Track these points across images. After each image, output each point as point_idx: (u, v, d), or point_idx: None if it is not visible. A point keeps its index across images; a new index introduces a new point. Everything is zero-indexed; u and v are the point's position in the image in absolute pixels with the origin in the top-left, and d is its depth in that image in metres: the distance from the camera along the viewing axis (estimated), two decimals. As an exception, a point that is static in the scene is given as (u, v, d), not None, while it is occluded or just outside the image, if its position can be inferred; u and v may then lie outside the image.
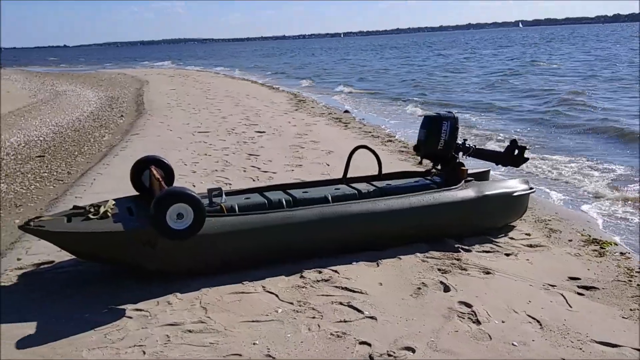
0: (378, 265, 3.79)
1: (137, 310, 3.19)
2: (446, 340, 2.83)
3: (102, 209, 3.68)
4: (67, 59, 71.33)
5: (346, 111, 13.05)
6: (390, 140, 8.81)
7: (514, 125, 11.04)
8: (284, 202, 4.06)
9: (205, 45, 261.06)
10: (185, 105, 14.08)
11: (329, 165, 6.91)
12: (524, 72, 23.37)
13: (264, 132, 9.56)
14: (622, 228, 4.89)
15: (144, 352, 2.75)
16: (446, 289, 3.43)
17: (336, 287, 3.47)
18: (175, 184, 4.26)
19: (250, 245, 3.69)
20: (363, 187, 4.40)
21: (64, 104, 15.24)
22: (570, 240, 4.33)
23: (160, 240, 3.41)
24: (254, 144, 8.43)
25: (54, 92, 19.32)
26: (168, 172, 4.24)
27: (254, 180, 6.19)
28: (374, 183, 4.53)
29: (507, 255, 3.98)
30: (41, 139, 9.66)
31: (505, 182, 4.70)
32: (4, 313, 3.17)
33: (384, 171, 4.79)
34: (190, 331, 2.96)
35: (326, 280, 3.56)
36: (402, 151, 7.80)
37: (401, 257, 3.91)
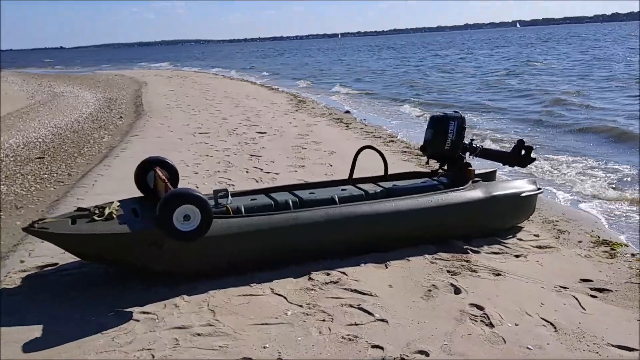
0: (387, 267, 3.75)
1: (144, 313, 3.13)
2: (460, 343, 2.79)
3: (106, 211, 3.63)
4: (63, 61, 71.07)
5: (347, 111, 13.01)
6: (392, 141, 8.77)
7: (509, 125, 11.05)
8: (291, 203, 4.01)
9: (202, 46, 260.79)
10: (185, 106, 14.01)
11: (331, 166, 6.86)
12: (520, 72, 23.42)
13: (265, 132, 9.51)
14: (630, 229, 4.85)
15: (153, 356, 2.70)
16: (457, 291, 3.38)
17: (345, 289, 3.43)
18: (179, 185, 4.22)
19: (257, 246, 3.64)
20: (370, 187, 4.36)
21: (62, 106, 15.17)
22: (580, 242, 4.29)
23: (167, 242, 3.36)
24: (256, 145, 8.38)
25: (51, 94, 19.23)
26: (173, 174, 4.19)
27: (257, 182, 6.14)
28: (381, 184, 4.49)
29: (517, 256, 3.94)
30: (40, 140, 9.59)
31: (513, 182, 4.66)
32: (10, 316, 3.12)
33: (388, 172, 4.74)
34: (199, 334, 2.91)
35: (335, 283, 3.51)
36: (405, 151, 7.77)
37: (409, 258, 3.87)
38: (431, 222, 4.08)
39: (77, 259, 3.76)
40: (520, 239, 4.28)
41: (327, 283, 3.51)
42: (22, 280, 3.61)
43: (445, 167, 4.70)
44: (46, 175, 6.98)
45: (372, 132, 9.59)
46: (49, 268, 3.81)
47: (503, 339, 2.82)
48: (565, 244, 4.24)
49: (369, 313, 3.11)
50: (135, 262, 3.48)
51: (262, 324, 3.01)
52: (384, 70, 29.80)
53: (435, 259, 3.87)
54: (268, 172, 6.58)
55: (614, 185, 6.30)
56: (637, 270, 3.69)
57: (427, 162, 4.89)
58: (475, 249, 4.03)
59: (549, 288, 3.41)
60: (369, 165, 5.22)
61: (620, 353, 2.69)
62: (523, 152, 4.64)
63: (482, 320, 3.01)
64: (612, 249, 4.07)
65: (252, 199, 4.08)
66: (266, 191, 4.36)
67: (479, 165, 4.87)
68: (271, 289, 3.44)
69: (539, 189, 4.58)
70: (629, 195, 5.84)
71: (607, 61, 27.37)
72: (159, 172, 3.98)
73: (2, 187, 6.35)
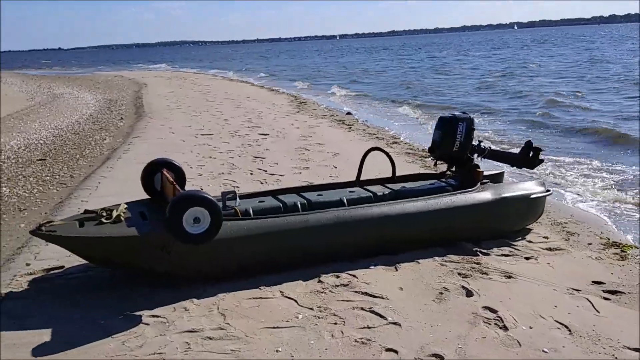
0: (397, 270, 3.72)
1: (153, 316, 3.10)
2: (474, 346, 2.76)
3: (114, 213, 3.60)
4: (60, 63, 70.89)
5: (348, 113, 12.99)
6: (396, 142, 8.75)
7: (507, 127, 11.07)
8: (299, 205, 3.98)
9: (200, 48, 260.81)
10: (185, 107, 13.98)
11: (336, 167, 6.84)
12: (515, 74, 23.49)
13: (267, 134, 9.47)
14: (638, 230, 4.83)
15: (165, 360, 2.67)
16: (468, 293, 3.35)
17: (356, 292, 3.39)
18: (186, 187, 4.18)
19: (265, 249, 3.61)
20: (378, 189, 4.33)
21: (62, 107, 15.12)
22: (590, 244, 4.27)
23: (176, 245, 3.33)
24: (259, 147, 8.34)
25: (51, 95, 19.18)
26: (179, 175, 4.15)
27: (261, 183, 6.11)
28: (389, 185, 4.46)
29: (527, 258, 3.91)
30: (41, 142, 9.55)
31: (522, 184, 4.63)
32: (19, 319, 3.08)
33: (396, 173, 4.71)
34: (210, 338, 2.87)
35: (345, 285, 3.48)
36: (409, 153, 7.74)
37: (419, 261, 3.84)
38: (440, 224, 4.05)
39: (83, 261, 3.73)
40: (529, 241, 4.25)
41: (337, 286, 3.48)
42: (28, 283, 3.57)
43: (454, 169, 4.67)
44: (48, 177, 6.94)
45: (374, 134, 9.56)
46: (55, 271, 3.77)
47: (518, 342, 2.79)
48: (576, 246, 4.22)
49: (381, 316, 3.08)
50: (143, 265, 3.44)
51: (274, 328, 2.98)
52: (380, 72, 29.86)
53: (445, 261, 3.84)
54: (272, 174, 6.55)
55: (618, 187, 6.28)
56: (649, 273, 3.67)
57: (436, 164, 4.85)
58: (485, 251, 4.00)
59: (561, 290, 3.38)
60: (375, 167, 5.19)
61: (636, 356, 2.66)
62: (531, 153, 4.62)
63: (495, 324, 2.98)
64: (622, 251, 4.04)
65: (259, 201, 4.05)
66: (273, 193, 4.33)
67: (484, 167, 4.84)
68: (281, 291, 3.41)
69: (548, 190, 4.56)
70: (633, 196, 5.82)
71: (603, 63, 27.44)
72: (167, 174, 3.94)
73: (4, 189, 6.30)
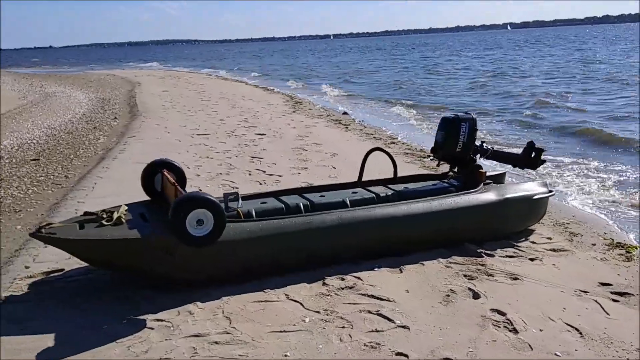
0: (401, 272, 3.68)
1: (158, 320, 3.04)
2: (485, 350, 2.73)
3: (115, 215, 3.53)
4: (51, 61, 70.31)
5: (344, 113, 12.94)
6: (394, 142, 8.71)
7: (502, 127, 11.06)
8: (302, 206, 3.93)
9: (193, 47, 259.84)
10: (180, 107, 13.87)
11: (335, 168, 6.79)
12: (506, 75, 23.54)
13: (264, 134, 9.41)
14: (638, 230, 4.83)
15: (171, 366, 2.62)
16: (475, 295, 3.32)
17: (361, 294, 3.35)
18: (186, 188, 4.12)
19: (269, 251, 3.56)
20: (380, 190, 4.29)
21: (54, 106, 14.96)
22: (594, 244, 4.25)
23: (179, 247, 3.27)
24: (256, 147, 8.28)
25: (43, 94, 18.98)
26: (180, 176, 4.09)
27: (260, 184, 6.06)
28: (391, 186, 4.43)
29: (532, 260, 3.88)
30: (34, 141, 9.43)
31: (525, 184, 4.61)
32: (21, 323, 3.01)
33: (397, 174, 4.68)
34: (216, 342, 2.82)
35: (350, 288, 3.44)
36: (407, 153, 7.71)
37: (423, 262, 3.80)
38: (444, 225, 4.02)
39: (83, 264, 3.67)
40: (533, 242, 4.23)
41: (342, 288, 3.43)
42: (29, 286, 3.50)
43: (456, 170, 4.64)
44: (43, 178, 6.84)
45: (372, 134, 9.51)
46: (55, 274, 3.70)
47: (529, 345, 2.76)
48: (580, 246, 4.20)
49: (389, 319, 3.04)
50: (145, 268, 3.38)
51: (281, 332, 2.93)
52: (372, 72, 29.87)
53: (450, 263, 3.81)
54: (271, 175, 6.50)
55: (616, 187, 6.28)
56: (657, 274, 3.65)
57: (438, 165, 4.81)
58: (489, 252, 3.98)
59: (569, 292, 3.36)
60: (376, 167, 5.15)
61: (650, 359, 2.64)
62: (533, 154, 4.59)
63: (505, 326, 2.95)
64: (627, 252, 4.03)
65: (262, 203, 4.00)
66: (275, 194, 4.28)
67: (484, 167, 4.81)
68: (286, 294, 3.36)
69: (551, 191, 4.54)
70: (633, 196, 5.82)
71: (592, 63, 27.63)
72: (168, 175, 3.88)
73: (-1, 189, 6.21)
